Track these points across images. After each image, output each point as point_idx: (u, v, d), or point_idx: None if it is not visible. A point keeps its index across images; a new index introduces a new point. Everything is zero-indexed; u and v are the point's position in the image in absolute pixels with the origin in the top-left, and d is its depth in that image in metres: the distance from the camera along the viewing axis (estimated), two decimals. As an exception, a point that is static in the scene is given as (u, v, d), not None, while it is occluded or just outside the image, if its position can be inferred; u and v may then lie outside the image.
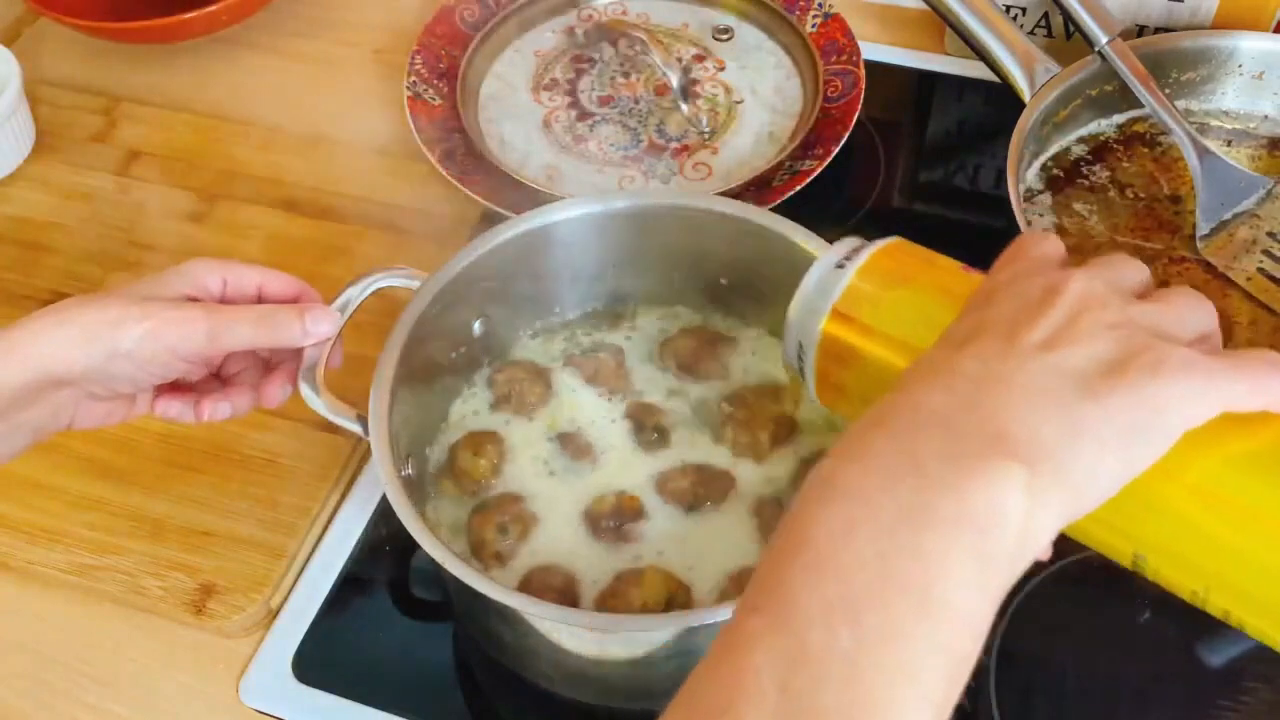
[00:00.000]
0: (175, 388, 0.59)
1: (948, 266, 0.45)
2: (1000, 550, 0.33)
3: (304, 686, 0.62)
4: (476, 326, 0.66)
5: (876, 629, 0.32)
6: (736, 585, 0.59)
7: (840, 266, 0.45)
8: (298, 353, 0.58)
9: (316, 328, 0.57)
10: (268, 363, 0.61)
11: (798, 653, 0.32)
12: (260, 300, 0.59)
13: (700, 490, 0.62)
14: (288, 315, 0.57)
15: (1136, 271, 0.40)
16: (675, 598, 0.58)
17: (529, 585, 0.59)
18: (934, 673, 0.32)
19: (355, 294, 0.60)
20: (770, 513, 0.61)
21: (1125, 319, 0.37)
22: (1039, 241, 0.41)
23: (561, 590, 0.59)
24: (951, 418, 0.35)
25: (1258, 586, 0.36)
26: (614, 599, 0.58)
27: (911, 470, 0.34)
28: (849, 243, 0.46)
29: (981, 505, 0.33)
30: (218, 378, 0.61)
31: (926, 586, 0.33)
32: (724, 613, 0.51)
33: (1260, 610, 0.36)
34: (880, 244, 0.46)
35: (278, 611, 0.65)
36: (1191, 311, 0.38)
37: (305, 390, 0.58)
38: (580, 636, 0.55)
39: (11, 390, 0.52)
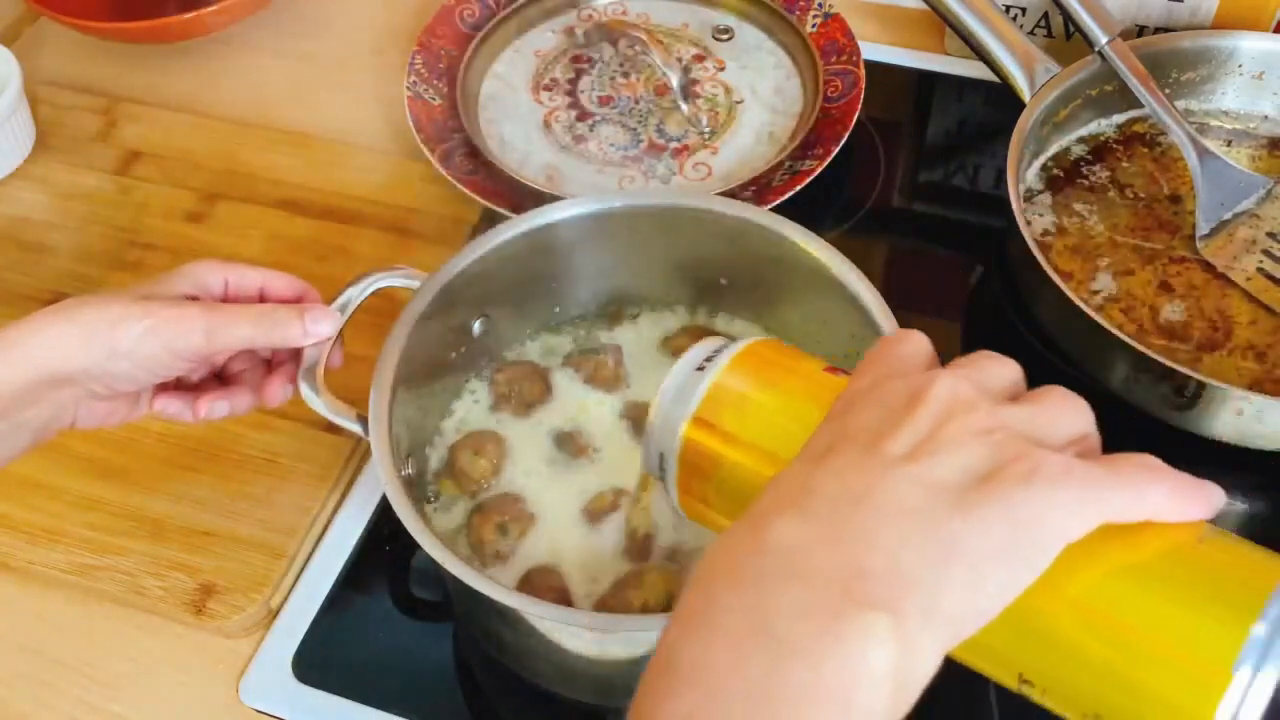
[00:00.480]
0: (175, 386, 0.60)
1: (812, 369, 0.43)
2: (868, 713, 0.30)
3: (304, 686, 0.62)
4: (476, 326, 0.66)
5: None
6: None
7: (700, 369, 0.43)
8: (298, 353, 0.58)
9: (316, 328, 0.57)
10: (269, 363, 0.61)
11: None
12: (262, 301, 0.59)
13: None
14: (287, 315, 0.57)
15: (1006, 370, 0.37)
16: (674, 597, 0.58)
17: (529, 585, 0.59)
18: None
19: (355, 294, 0.60)
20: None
21: (995, 423, 0.34)
22: (904, 340, 0.38)
23: (561, 590, 0.59)
24: (805, 559, 0.31)
25: (1151, 712, 0.32)
26: (614, 599, 0.58)
27: (761, 639, 0.30)
28: (709, 344, 0.44)
29: (839, 672, 0.30)
30: (219, 378, 0.61)
31: None
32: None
33: None
34: (742, 345, 0.44)
35: (278, 611, 0.65)
36: (1066, 412, 0.35)
37: (305, 390, 0.58)
38: (580, 636, 0.55)
39: (13, 389, 0.52)
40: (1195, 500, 0.34)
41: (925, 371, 0.36)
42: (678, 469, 0.43)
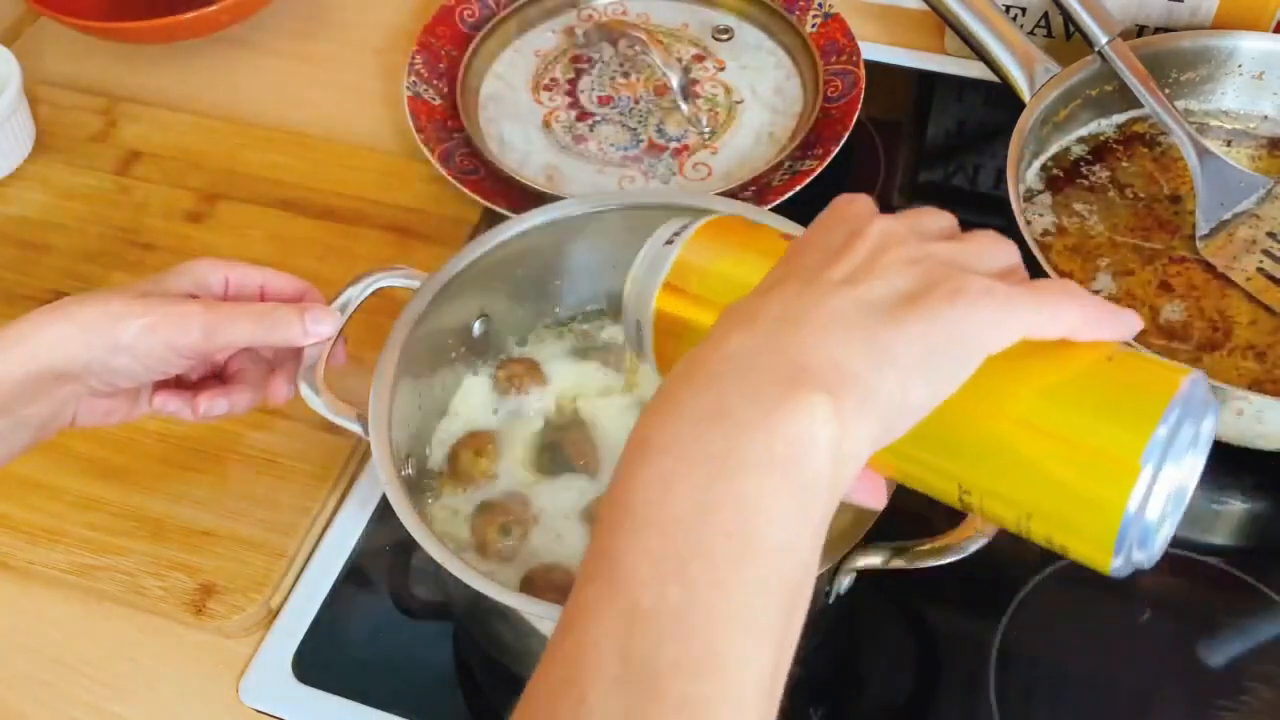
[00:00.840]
0: (176, 385, 0.60)
1: (770, 234, 0.46)
2: (814, 480, 0.34)
3: (304, 686, 0.62)
4: (476, 326, 0.66)
5: (702, 579, 0.33)
6: None
7: (669, 243, 0.46)
8: (300, 352, 0.58)
9: (316, 327, 0.57)
10: (270, 362, 0.61)
11: (631, 616, 0.32)
12: (263, 300, 0.59)
13: None
14: (287, 314, 0.57)
15: (941, 219, 0.41)
16: None
17: (531, 585, 0.59)
18: (766, 611, 0.33)
19: (355, 294, 0.60)
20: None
21: (925, 254, 0.38)
22: (850, 200, 0.42)
23: (563, 589, 0.59)
24: (754, 359, 0.35)
25: (1076, 512, 0.37)
26: None
27: (719, 416, 0.34)
28: (676, 222, 0.47)
29: (788, 440, 0.34)
30: (220, 377, 0.61)
31: (745, 529, 0.33)
32: None
33: (1078, 534, 0.37)
34: (705, 219, 0.47)
35: (278, 611, 0.65)
36: (992, 248, 0.39)
37: (305, 390, 0.58)
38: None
39: (13, 384, 0.52)
40: (1107, 322, 0.38)
41: (858, 218, 0.40)
42: (653, 336, 0.46)
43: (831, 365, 0.35)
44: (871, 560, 0.54)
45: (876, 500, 0.42)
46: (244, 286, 0.59)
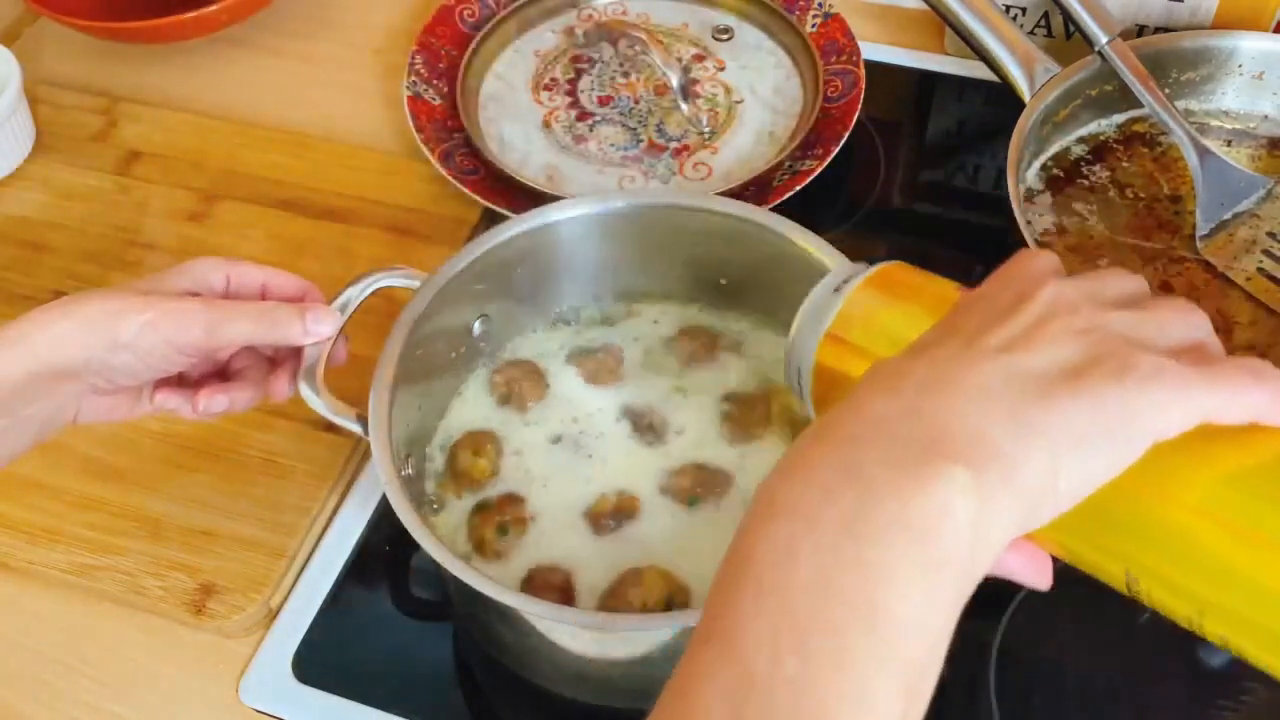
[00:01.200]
0: (178, 384, 0.60)
1: (944, 286, 0.44)
2: (948, 556, 0.32)
3: (304, 686, 0.62)
4: (476, 326, 0.66)
5: (822, 651, 0.31)
6: None
7: (837, 290, 0.45)
8: (300, 350, 0.59)
9: (317, 327, 0.57)
10: (272, 360, 0.61)
11: (746, 684, 0.31)
12: (264, 299, 0.59)
13: (700, 489, 0.62)
14: (288, 313, 0.57)
15: (1127, 283, 0.37)
16: (674, 597, 0.58)
17: (529, 585, 0.59)
18: (887, 691, 0.31)
19: (355, 294, 0.60)
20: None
21: (1096, 325, 0.35)
22: (1031, 256, 0.39)
23: (561, 589, 0.59)
24: (893, 422, 0.34)
25: (1258, 612, 0.34)
26: (614, 599, 0.58)
27: (852, 480, 0.33)
28: (848, 267, 0.46)
29: (923, 510, 0.32)
30: (222, 376, 0.61)
31: (871, 599, 0.31)
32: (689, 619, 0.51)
33: (1260, 637, 0.34)
34: (876, 267, 0.45)
35: (278, 611, 0.65)
36: (1177, 318, 0.36)
37: (305, 390, 0.58)
38: (580, 636, 0.55)
39: (14, 383, 0.52)
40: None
41: (1031, 279, 0.37)
42: (812, 383, 0.45)
43: (975, 437, 0.33)
44: None
45: (1041, 579, 0.39)
46: (245, 285, 0.59)
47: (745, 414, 0.64)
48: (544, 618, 0.53)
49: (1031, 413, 0.33)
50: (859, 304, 0.44)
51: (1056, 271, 0.38)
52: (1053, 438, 0.33)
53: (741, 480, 0.63)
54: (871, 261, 0.46)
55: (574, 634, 0.55)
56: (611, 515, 0.61)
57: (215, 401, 0.59)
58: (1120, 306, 0.36)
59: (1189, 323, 0.36)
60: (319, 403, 0.58)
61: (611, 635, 0.54)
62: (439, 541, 0.53)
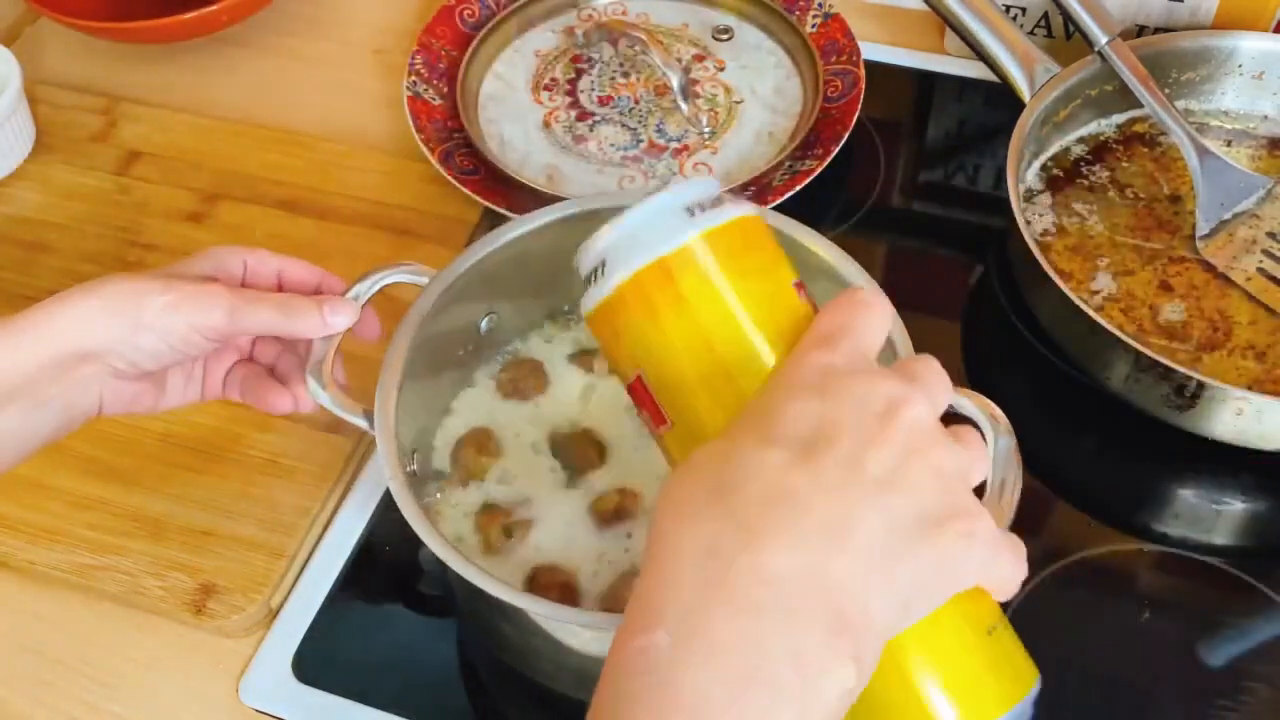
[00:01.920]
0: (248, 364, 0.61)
1: (783, 280, 0.43)
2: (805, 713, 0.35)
3: (304, 686, 0.62)
4: (484, 324, 0.66)
5: None
6: None
7: (690, 213, 0.42)
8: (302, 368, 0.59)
9: (334, 319, 0.58)
10: (273, 370, 0.61)
11: None
12: (280, 287, 0.60)
13: None
14: (306, 304, 0.57)
15: (946, 390, 0.41)
16: None
17: (534, 583, 0.59)
18: None
19: (364, 289, 0.60)
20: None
21: (948, 466, 0.38)
22: (870, 310, 0.41)
23: (566, 587, 0.59)
24: (797, 589, 0.35)
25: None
26: (619, 596, 0.58)
27: (758, 683, 0.34)
28: (702, 187, 0.43)
29: (820, 708, 0.34)
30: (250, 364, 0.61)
31: None
32: None
33: None
34: (734, 213, 0.42)
35: (278, 611, 0.65)
36: (977, 456, 0.41)
37: (313, 385, 0.58)
38: (582, 634, 0.55)
39: (39, 364, 0.53)
40: (1016, 582, 0.40)
41: (893, 378, 0.39)
42: (616, 288, 0.42)
43: (863, 615, 0.35)
44: None
45: None
46: (261, 273, 0.59)
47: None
48: (548, 617, 0.53)
49: (901, 573, 0.36)
50: (704, 249, 0.41)
51: (886, 332, 0.42)
52: (906, 593, 0.36)
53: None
54: (730, 198, 0.44)
55: (576, 632, 0.55)
56: (615, 513, 0.61)
57: (281, 403, 0.59)
58: (939, 421, 0.40)
59: (977, 460, 0.41)
60: (326, 398, 0.58)
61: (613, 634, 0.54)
62: (444, 540, 0.53)
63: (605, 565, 0.60)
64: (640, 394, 0.43)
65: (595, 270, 0.43)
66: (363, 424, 0.57)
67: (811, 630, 0.34)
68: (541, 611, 0.53)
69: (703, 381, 0.41)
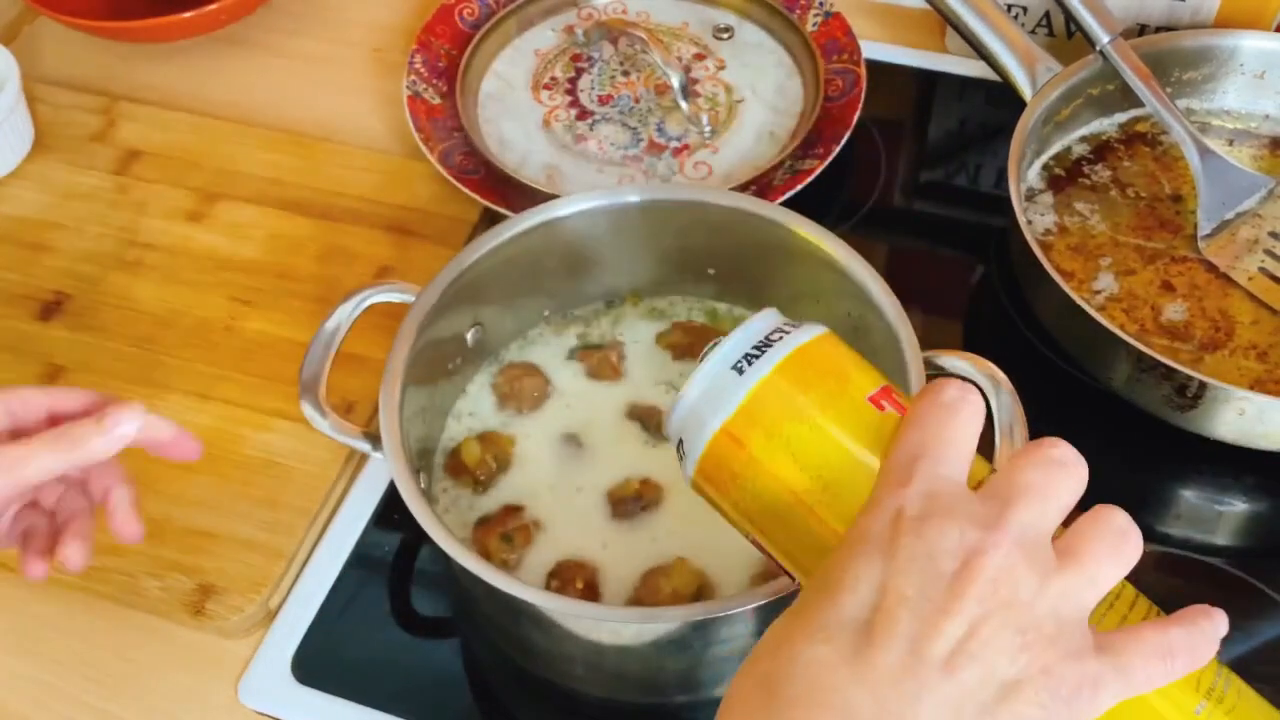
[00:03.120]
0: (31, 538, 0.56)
1: (857, 396, 0.40)
2: None
3: (303, 687, 0.62)
4: (470, 336, 0.66)
5: None
6: (759, 578, 0.59)
7: (739, 371, 0.40)
8: (89, 511, 0.56)
9: (119, 430, 0.52)
10: (53, 517, 0.57)
11: None
12: (55, 423, 0.54)
13: None
14: (84, 429, 0.52)
15: (1067, 493, 0.37)
16: (702, 589, 0.59)
17: (553, 580, 0.59)
18: None
19: (346, 312, 0.61)
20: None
21: (1031, 624, 0.34)
22: (951, 417, 0.37)
23: (584, 584, 0.59)
24: None
25: None
26: (642, 589, 0.58)
27: None
28: (750, 332, 0.41)
29: None
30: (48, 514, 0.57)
31: None
32: (730, 606, 0.52)
33: None
34: (786, 350, 0.40)
35: (277, 612, 0.65)
36: (1107, 559, 0.36)
37: (308, 411, 0.58)
38: (600, 628, 0.55)
39: None
40: (1200, 655, 0.36)
41: (972, 522, 0.35)
42: (698, 462, 0.41)
43: None
44: None
45: None
46: (29, 414, 0.54)
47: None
48: (577, 615, 0.53)
49: None
50: (763, 400, 0.40)
51: (980, 423, 0.38)
52: None
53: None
54: (783, 332, 0.41)
55: (595, 626, 0.55)
56: (633, 500, 0.61)
57: (73, 554, 0.55)
58: (1049, 538, 0.36)
59: (1118, 551, 0.36)
60: (324, 424, 0.57)
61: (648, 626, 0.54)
62: (469, 551, 0.53)
63: (622, 559, 0.60)
64: (766, 554, 0.42)
65: (678, 449, 0.42)
66: (365, 447, 0.57)
67: None
68: (575, 611, 0.53)
69: (804, 531, 0.40)
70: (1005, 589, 0.34)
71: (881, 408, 0.40)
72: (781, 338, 0.41)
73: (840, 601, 0.35)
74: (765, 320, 0.41)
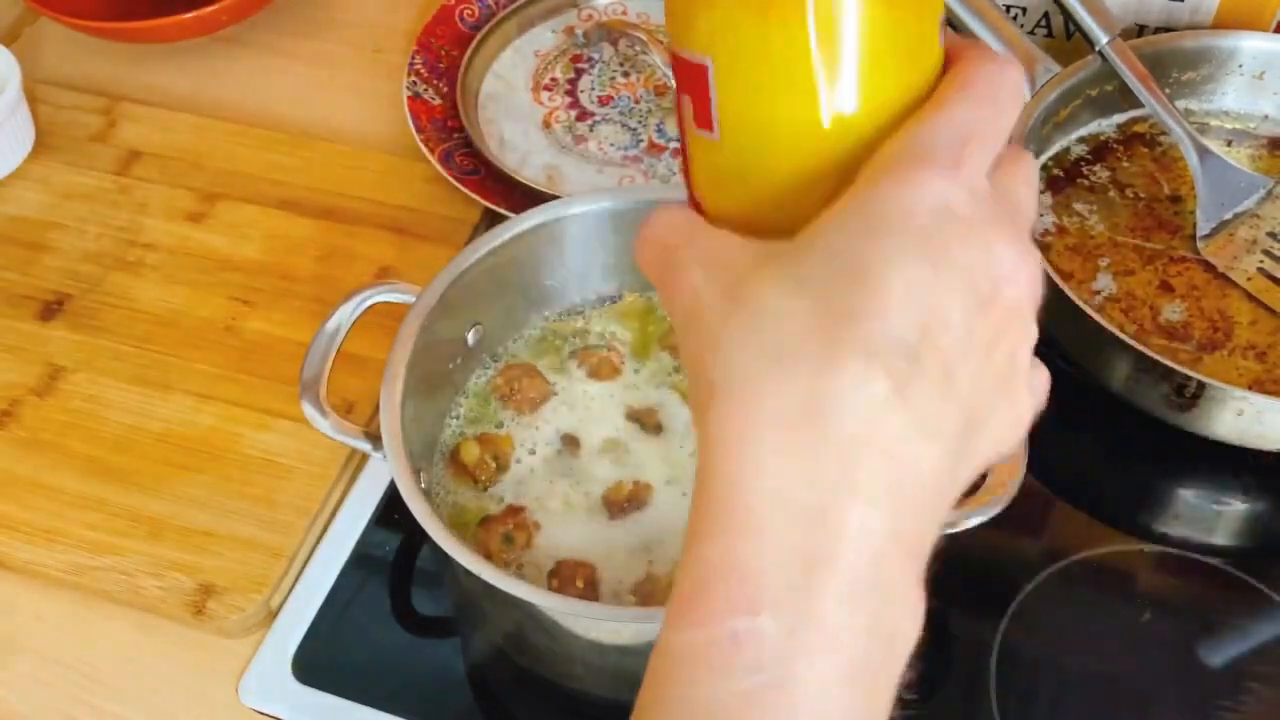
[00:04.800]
0: None
1: (933, 12, 0.34)
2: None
3: (303, 686, 0.62)
4: (470, 337, 0.66)
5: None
6: None
7: None
8: None
9: None
10: None
11: None
12: None
13: None
14: None
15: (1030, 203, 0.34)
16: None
17: (554, 579, 0.59)
18: None
19: (347, 313, 0.60)
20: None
21: (1018, 360, 0.33)
22: (1013, 103, 0.33)
23: (585, 583, 0.59)
24: (894, 565, 0.30)
25: None
26: (645, 586, 0.59)
27: (880, 670, 0.30)
28: None
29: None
30: None
31: None
32: None
33: None
34: None
35: (277, 611, 0.65)
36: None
37: (309, 410, 0.58)
38: (601, 627, 0.55)
39: None
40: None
41: (1012, 239, 0.31)
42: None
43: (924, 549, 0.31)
44: None
45: None
46: None
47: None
48: (578, 615, 0.53)
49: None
50: None
51: (1020, 255, 0.32)
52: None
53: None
54: None
55: (596, 626, 0.55)
56: (632, 500, 0.61)
57: None
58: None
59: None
60: (325, 424, 0.57)
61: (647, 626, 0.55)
62: (474, 554, 0.53)
63: (622, 557, 0.60)
64: (692, 80, 0.34)
65: None
66: (365, 447, 0.57)
67: (908, 598, 0.30)
68: (581, 612, 0.53)
69: (787, 112, 0.33)
70: (1017, 327, 0.32)
71: (940, 40, 0.34)
72: None
73: (889, 312, 0.29)
74: None
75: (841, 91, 0.32)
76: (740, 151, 0.34)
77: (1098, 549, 0.66)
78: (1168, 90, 0.77)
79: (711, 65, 0.33)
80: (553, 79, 0.88)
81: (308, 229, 0.81)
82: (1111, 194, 0.78)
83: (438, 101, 0.86)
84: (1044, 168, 0.79)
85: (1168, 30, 0.83)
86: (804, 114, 0.32)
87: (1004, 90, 0.33)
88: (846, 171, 0.32)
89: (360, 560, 0.66)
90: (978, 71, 0.33)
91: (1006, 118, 0.33)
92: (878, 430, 0.29)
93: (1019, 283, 0.31)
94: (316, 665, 0.63)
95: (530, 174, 0.81)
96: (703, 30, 0.33)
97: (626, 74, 0.88)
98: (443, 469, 0.64)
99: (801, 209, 0.33)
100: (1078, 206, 0.77)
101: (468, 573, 0.52)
